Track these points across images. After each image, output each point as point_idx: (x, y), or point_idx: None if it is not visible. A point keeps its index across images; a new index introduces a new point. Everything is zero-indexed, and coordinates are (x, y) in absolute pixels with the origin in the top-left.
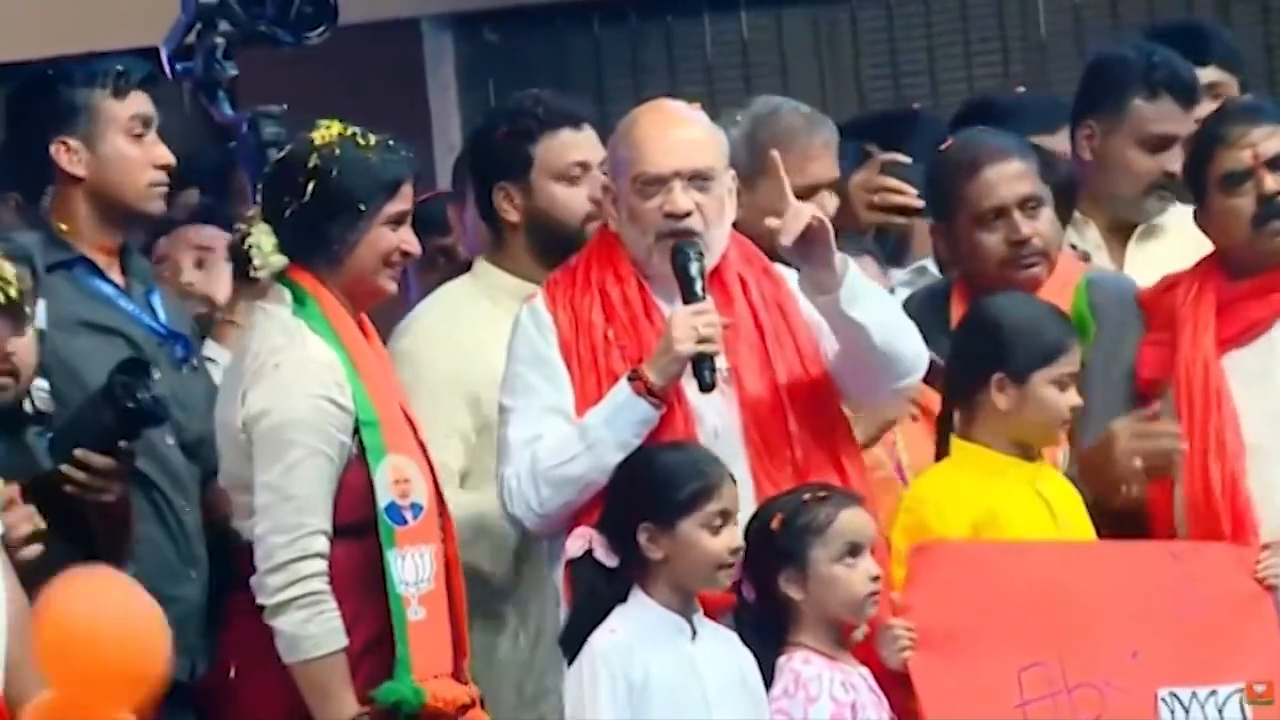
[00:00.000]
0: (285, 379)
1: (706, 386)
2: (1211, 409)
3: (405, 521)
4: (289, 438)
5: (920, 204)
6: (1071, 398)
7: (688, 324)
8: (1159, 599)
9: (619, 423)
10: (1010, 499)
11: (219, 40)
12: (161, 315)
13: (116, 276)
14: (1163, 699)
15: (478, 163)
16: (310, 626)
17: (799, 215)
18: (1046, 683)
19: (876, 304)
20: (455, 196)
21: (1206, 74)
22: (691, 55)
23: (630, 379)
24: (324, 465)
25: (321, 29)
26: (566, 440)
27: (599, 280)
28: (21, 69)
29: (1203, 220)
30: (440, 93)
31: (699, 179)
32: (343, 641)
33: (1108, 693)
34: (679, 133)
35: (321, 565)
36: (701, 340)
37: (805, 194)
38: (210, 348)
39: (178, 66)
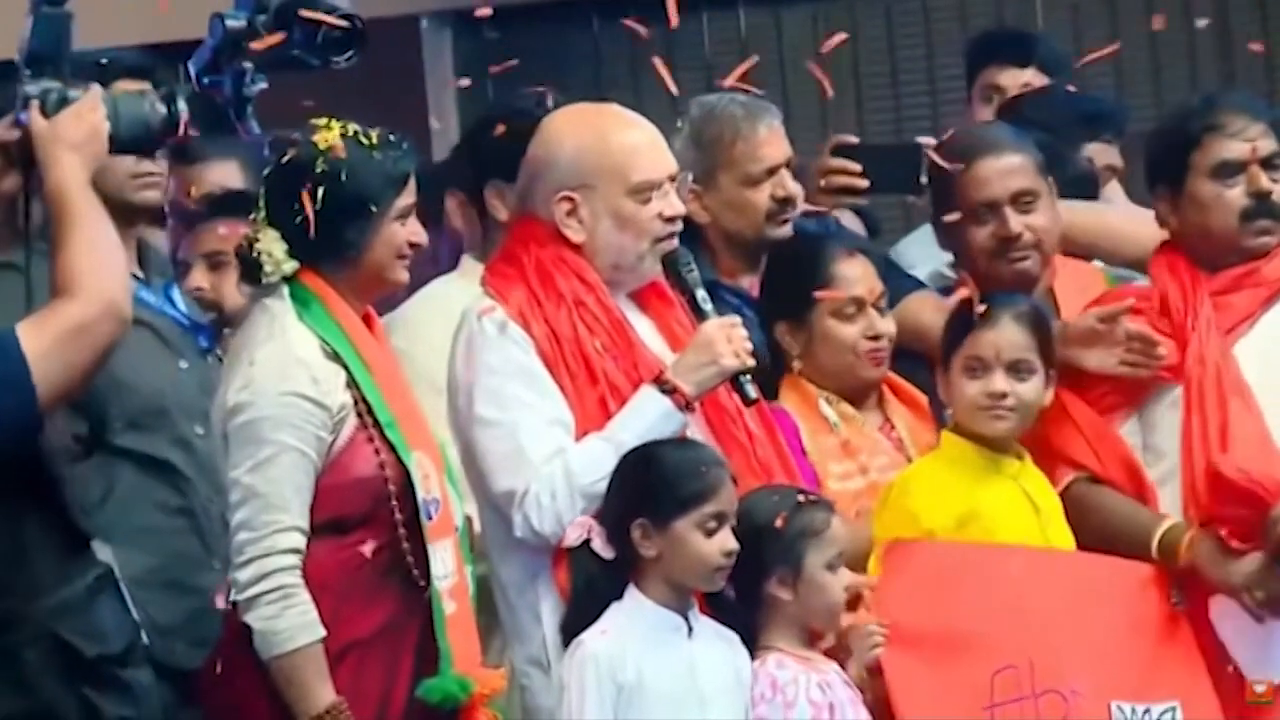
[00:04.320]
0: (258, 374)
1: (751, 400)
2: (1229, 400)
3: (431, 516)
4: (259, 434)
5: (865, 184)
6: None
7: (728, 337)
8: (1105, 611)
9: (656, 436)
10: (995, 495)
11: (248, 65)
12: (181, 307)
13: (134, 269)
14: (1118, 706)
15: (472, 158)
16: (280, 621)
17: None
18: (1016, 686)
19: None
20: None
21: (1026, 75)
22: (691, 53)
23: (666, 392)
24: (296, 460)
25: (350, 54)
26: (601, 455)
27: (570, 291)
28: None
29: (1178, 207)
30: (439, 90)
31: (674, 181)
32: (317, 634)
33: (1072, 700)
34: (655, 136)
35: (292, 560)
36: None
37: (764, 178)
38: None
39: (205, 80)
